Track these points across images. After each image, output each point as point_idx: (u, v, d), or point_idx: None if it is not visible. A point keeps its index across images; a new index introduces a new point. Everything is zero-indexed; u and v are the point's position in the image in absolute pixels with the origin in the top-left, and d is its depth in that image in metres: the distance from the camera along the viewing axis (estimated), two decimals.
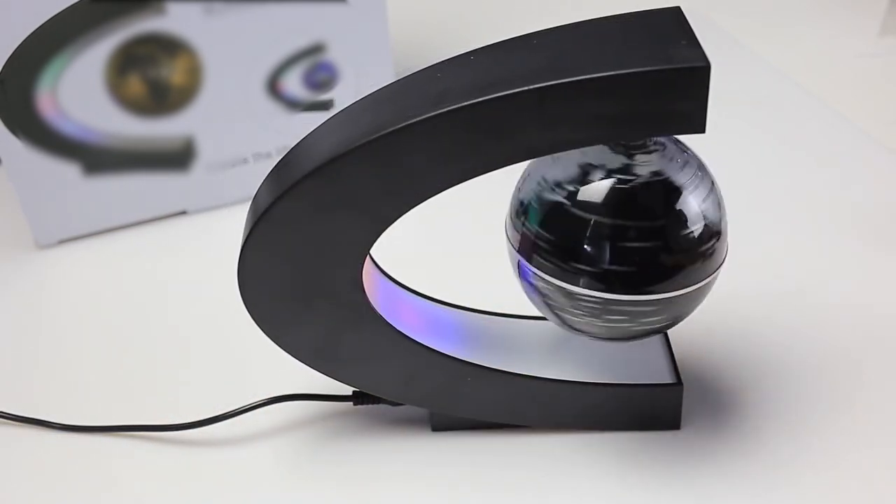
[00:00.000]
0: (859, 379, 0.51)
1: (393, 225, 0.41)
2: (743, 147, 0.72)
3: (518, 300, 0.51)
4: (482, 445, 0.49)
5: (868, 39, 0.91)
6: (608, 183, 0.41)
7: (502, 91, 0.37)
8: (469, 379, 0.47)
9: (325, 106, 0.70)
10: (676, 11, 0.40)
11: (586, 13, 0.42)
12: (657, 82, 0.37)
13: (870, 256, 0.60)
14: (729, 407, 0.50)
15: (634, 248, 0.41)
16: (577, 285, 0.42)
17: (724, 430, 0.49)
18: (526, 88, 0.37)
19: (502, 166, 0.40)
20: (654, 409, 0.48)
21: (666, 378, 0.48)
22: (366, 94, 0.42)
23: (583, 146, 0.42)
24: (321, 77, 0.69)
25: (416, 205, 0.41)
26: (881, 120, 0.77)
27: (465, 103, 0.38)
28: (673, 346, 0.50)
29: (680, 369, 0.49)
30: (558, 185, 0.42)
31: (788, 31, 0.93)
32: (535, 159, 0.44)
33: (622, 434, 0.49)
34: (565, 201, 0.42)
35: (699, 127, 0.38)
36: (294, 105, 0.69)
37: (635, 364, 0.49)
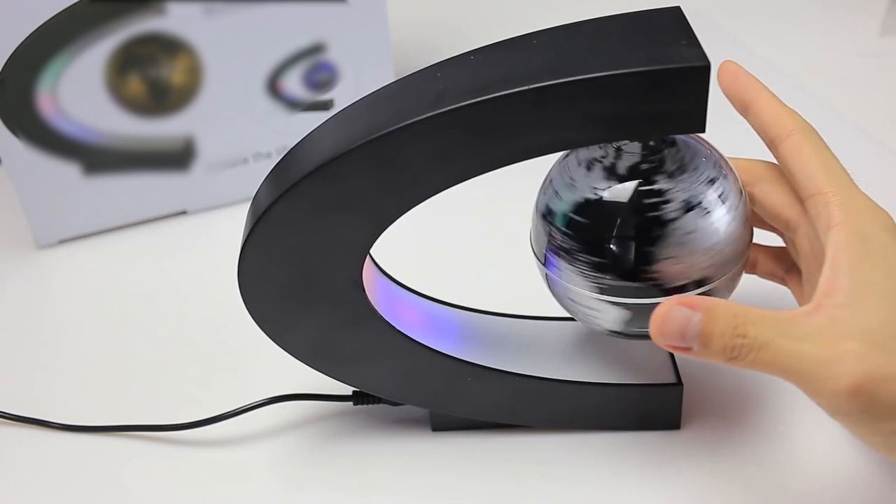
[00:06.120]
0: None
1: (393, 225, 0.41)
2: (742, 147, 0.71)
3: (518, 300, 0.51)
4: (482, 445, 0.49)
5: (868, 39, 0.91)
6: (633, 186, 0.41)
7: (502, 91, 0.37)
8: (469, 379, 0.47)
9: (325, 106, 0.70)
10: (676, 11, 0.40)
11: (586, 13, 0.42)
12: (657, 82, 0.37)
13: None
14: (729, 407, 0.50)
15: (661, 247, 0.41)
16: (606, 292, 0.41)
17: (724, 430, 0.49)
18: (525, 88, 0.37)
19: (502, 166, 0.40)
20: (654, 409, 0.48)
21: (666, 378, 0.48)
22: (366, 94, 0.42)
23: (583, 146, 0.42)
24: (321, 77, 0.69)
25: (415, 205, 0.41)
26: (881, 120, 0.77)
27: (465, 103, 0.38)
28: None
29: (680, 369, 0.49)
30: (591, 188, 0.42)
31: (788, 31, 0.93)
32: (555, 165, 0.44)
33: (622, 434, 0.49)
34: (594, 206, 0.41)
35: (699, 127, 0.38)
36: (294, 105, 0.69)
37: (635, 364, 0.49)
